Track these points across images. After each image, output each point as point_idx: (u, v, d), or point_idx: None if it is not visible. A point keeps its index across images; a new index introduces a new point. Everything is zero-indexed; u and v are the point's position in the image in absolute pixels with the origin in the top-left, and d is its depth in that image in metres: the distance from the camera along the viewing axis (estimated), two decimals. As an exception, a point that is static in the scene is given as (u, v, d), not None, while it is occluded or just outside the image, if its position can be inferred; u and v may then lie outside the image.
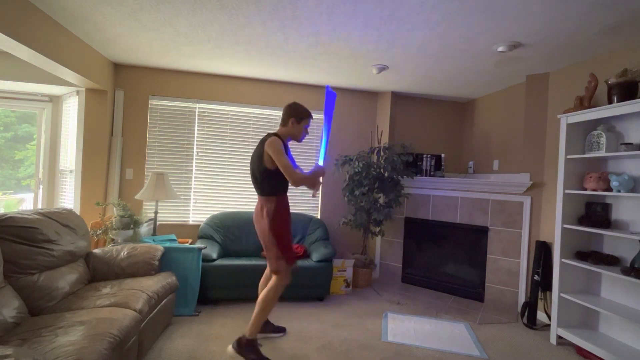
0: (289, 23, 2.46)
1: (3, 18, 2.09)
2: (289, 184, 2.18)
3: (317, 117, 4.15)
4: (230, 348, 2.18)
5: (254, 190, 2.30)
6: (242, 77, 3.91)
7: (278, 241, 2.18)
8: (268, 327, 2.54)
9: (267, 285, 2.23)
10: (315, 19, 2.37)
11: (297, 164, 2.28)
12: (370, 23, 2.39)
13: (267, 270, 2.43)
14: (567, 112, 2.66)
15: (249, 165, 2.26)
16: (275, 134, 2.22)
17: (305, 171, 2.21)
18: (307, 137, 2.40)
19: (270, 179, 2.16)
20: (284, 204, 2.24)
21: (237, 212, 3.73)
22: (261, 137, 2.24)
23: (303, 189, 4.09)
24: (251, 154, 2.26)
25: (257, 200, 2.29)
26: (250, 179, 2.32)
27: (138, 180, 3.70)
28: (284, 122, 2.29)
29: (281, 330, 2.59)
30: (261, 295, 2.20)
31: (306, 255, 3.43)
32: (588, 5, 2.03)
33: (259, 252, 3.49)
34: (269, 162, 2.12)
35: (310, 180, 2.14)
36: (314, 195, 2.28)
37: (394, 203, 3.66)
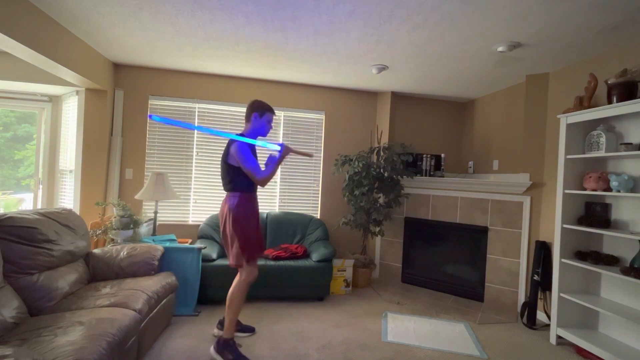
0: (289, 23, 2.46)
1: (3, 18, 2.09)
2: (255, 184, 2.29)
3: (314, 116, 4.16)
4: (211, 349, 2.22)
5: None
6: (242, 77, 3.91)
7: (239, 237, 2.21)
8: (236, 326, 2.46)
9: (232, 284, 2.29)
10: (315, 19, 2.37)
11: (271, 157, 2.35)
12: (370, 23, 2.39)
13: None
14: (566, 112, 2.66)
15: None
16: (241, 134, 2.30)
17: (265, 166, 2.26)
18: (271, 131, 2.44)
19: (235, 175, 2.23)
20: (247, 200, 2.28)
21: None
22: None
23: (304, 188, 4.10)
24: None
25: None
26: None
27: (138, 180, 3.70)
28: (247, 119, 2.35)
29: (249, 329, 2.57)
30: (229, 293, 2.26)
31: (306, 255, 3.43)
32: (588, 5, 2.03)
33: (258, 252, 3.49)
34: (234, 161, 2.21)
35: (276, 168, 2.20)
36: (310, 155, 2.27)
37: (393, 203, 3.66)
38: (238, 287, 2.26)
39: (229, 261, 2.27)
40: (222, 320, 2.49)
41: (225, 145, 3.87)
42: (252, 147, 2.30)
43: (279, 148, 2.23)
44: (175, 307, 2.76)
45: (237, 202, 2.23)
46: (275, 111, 4.00)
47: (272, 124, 2.39)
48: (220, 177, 2.37)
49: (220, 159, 3.85)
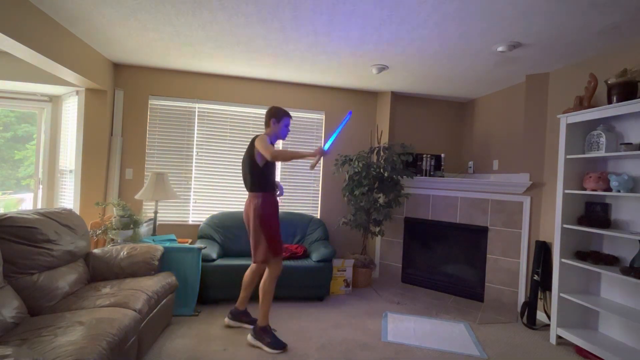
0: (289, 23, 2.46)
1: (3, 18, 2.09)
2: (274, 178, 2.49)
3: (314, 116, 4.16)
4: (249, 337, 2.42)
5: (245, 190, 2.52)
6: (242, 77, 3.91)
7: (265, 234, 2.37)
8: (245, 318, 2.67)
9: (262, 278, 2.47)
10: (315, 19, 2.37)
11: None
12: (370, 23, 2.39)
13: (253, 265, 2.66)
14: (566, 112, 2.66)
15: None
16: (263, 134, 2.46)
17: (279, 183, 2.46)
18: (290, 134, 2.64)
19: (259, 175, 2.40)
20: (270, 200, 2.43)
21: (237, 212, 3.74)
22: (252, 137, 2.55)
23: (304, 188, 4.10)
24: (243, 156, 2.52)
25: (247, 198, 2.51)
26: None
27: (138, 180, 3.70)
28: (266, 124, 2.52)
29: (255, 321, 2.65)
30: (260, 287, 2.44)
31: (306, 255, 3.43)
32: (588, 5, 2.03)
33: (258, 252, 3.50)
34: (259, 159, 2.36)
35: (297, 156, 2.29)
36: (311, 167, 2.36)
37: (393, 203, 3.66)
38: (269, 281, 2.41)
39: (254, 259, 2.43)
40: (232, 310, 2.67)
41: (229, 144, 3.89)
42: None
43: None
44: (175, 307, 2.76)
45: (261, 201, 2.38)
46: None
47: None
48: (242, 178, 2.55)
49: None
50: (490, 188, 3.42)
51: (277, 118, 2.49)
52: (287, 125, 2.52)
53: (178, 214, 3.82)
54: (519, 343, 2.64)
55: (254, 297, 3.12)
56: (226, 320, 2.66)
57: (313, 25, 2.48)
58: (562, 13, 2.13)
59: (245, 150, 2.51)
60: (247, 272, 2.68)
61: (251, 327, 2.62)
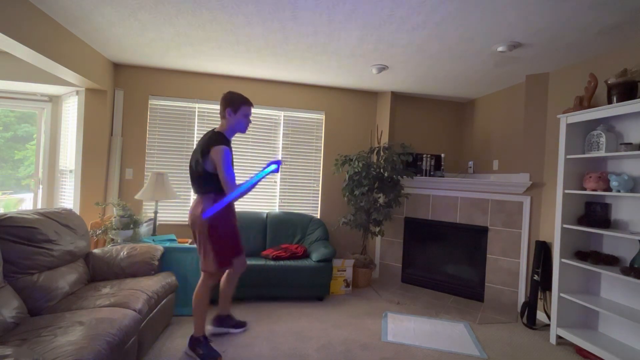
0: (289, 23, 2.46)
1: (3, 18, 2.09)
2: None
3: (314, 116, 4.16)
4: (186, 348, 2.25)
5: (193, 188, 2.21)
6: (242, 77, 3.91)
7: (213, 243, 2.12)
8: (228, 322, 2.56)
9: (227, 279, 2.41)
10: (315, 19, 2.37)
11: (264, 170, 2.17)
12: (370, 23, 2.39)
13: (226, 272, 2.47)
14: (566, 112, 2.66)
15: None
16: (219, 132, 2.14)
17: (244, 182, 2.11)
18: (250, 126, 2.27)
19: (212, 179, 2.09)
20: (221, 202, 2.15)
21: (236, 211, 3.73)
22: (207, 134, 2.17)
23: (304, 188, 4.10)
24: (193, 149, 2.23)
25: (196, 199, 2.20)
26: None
27: (138, 180, 3.70)
28: (222, 114, 2.17)
29: (242, 325, 2.61)
30: (193, 296, 2.23)
31: (306, 255, 3.43)
32: (588, 6, 2.03)
33: (258, 251, 3.49)
34: (212, 167, 2.06)
35: (248, 191, 2.08)
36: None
37: (393, 203, 3.66)
38: (202, 290, 2.20)
39: (202, 267, 2.19)
40: (215, 317, 2.56)
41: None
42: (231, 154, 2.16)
43: (275, 167, 2.09)
44: (175, 307, 2.76)
45: (212, 204, 2.12)
46: (275, 111, 4.02)
47: (251, 118, 2.13)
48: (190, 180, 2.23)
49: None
50: (490, 188, 3.41)
51: (234, 107, 2.11)
52: (246, 116, 2.14)
53: (178, 214, 3.82)
54: (519, 343, 2.64)
55: (261, 298, 3.14)
56: (210, 327, 2.53)
57: (313, 25, 2.48)
58: (562, 13, 2.13)
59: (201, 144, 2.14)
60: (222, 279, 2.49)
61: (237, 330, 2.56)
